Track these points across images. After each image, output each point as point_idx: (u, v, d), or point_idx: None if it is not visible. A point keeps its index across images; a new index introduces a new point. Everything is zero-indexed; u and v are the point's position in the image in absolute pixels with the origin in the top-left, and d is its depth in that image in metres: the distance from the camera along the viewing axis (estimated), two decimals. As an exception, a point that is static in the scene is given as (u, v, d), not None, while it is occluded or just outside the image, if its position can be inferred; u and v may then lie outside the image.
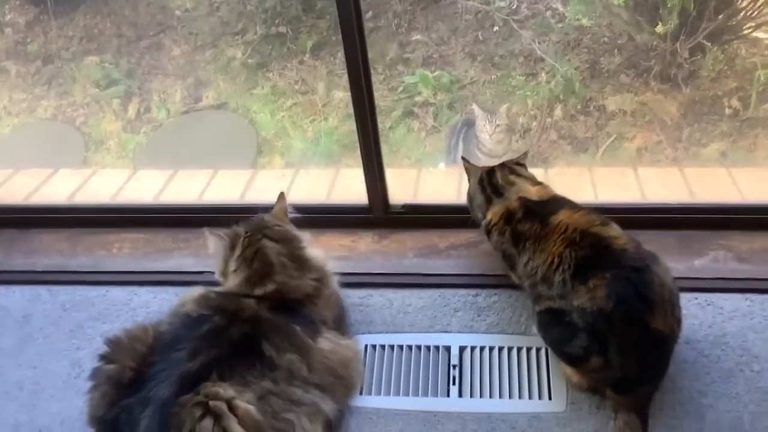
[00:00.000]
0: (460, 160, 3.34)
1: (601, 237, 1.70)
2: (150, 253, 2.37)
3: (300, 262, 1.84)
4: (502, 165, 2.04)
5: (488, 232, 1.96)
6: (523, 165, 2.05)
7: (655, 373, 1.67)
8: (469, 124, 3.31)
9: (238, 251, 1.82)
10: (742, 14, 3.61)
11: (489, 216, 1.94)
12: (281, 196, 1.96)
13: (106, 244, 2.42)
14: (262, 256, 1.81)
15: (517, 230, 1.84)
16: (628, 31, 3.94)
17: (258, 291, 1.76)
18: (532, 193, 1.90)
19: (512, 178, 1.97)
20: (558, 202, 1.86)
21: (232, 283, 1.81)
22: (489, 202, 1.96)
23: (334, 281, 1.95)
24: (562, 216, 1.77)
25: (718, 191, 2.55)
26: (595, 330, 1.61)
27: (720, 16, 3.51)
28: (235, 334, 1.63)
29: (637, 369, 1.63)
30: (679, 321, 1.67)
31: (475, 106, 3.25)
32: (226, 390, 1.52)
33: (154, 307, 2.14)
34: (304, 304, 1.79)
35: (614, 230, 1.73)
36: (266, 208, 1.97)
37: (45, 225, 2.51)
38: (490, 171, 2.02)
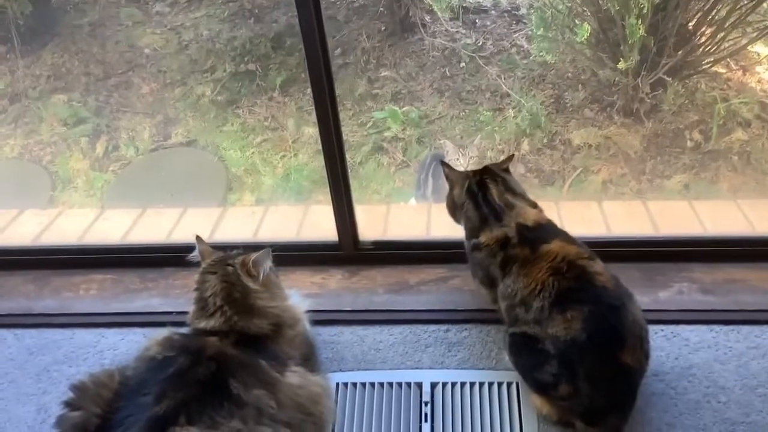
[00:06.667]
0: (430, 196, 3.37)
1: (586, 271, 1.72)
2: (118, 294, 2.34)
3: (243, 308, 1.78)
4: (491, 173, 1.97)
5: (476, 249, 1.91)
6: (507, 170, 2.01)
7: (623, 403, 1.68)
8: (438, 159, 3.34)
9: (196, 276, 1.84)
10: (700, 50, 3.72)
11: (483, 238, 1.88)
12: (266, 250, 1.88)
13: (73, 285, 2.39)
14: (201, 290, 1.80)
15: (508, 254, 1.82)
16: (590, 67, 4.04)
17: (202, 324, 1.74)
18: (530, 217, 1.87)
19: (509, 198, 1.91)
20: (552, 230, 1.85)
21: (190, 310, 1.81)
22: (485, 222, 1.90)
23: (302, 324, 1.92)
24: (554, 246, 1.77)
25: (681, 224, 2.60)
26: (566, 358, 1.63)
27: (679, 52, 3.61)
28: (201, 374, 1.60)
29: (605, 399, 1.64)
30: (647, 355, 1.70)
31: (445, 142, 3.29)
32: (194, 434, 1.50)
33: (121, 349, 2.12)
34: (266, 341, 1.76)
35: (598, 266, 1.75)
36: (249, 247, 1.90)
37: (10, 267, 2.48)
38: (481, 182, 1.95)
